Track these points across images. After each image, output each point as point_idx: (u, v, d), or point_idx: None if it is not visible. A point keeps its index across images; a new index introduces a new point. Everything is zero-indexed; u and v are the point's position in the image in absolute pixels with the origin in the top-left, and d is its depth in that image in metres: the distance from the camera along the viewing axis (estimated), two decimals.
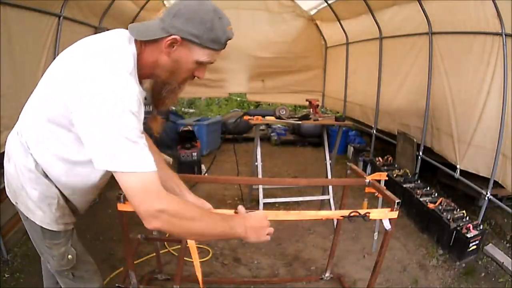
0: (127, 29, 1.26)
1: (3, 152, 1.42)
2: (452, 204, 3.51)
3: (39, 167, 1.32)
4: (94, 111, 1.09)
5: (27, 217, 1.44)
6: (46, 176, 1.33)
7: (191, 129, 5.52)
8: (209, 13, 1.18)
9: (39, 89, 1.39)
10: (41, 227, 1.41)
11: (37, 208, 1.39)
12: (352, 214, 1.66)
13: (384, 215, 1.77)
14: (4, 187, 1.58)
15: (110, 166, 1.13)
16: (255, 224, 1.32)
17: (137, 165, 1.11)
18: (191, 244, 1.67)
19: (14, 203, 1.49)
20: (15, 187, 1.42)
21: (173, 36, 1.17)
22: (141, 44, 1.23)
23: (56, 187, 1.36)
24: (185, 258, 2.81)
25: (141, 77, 1.27)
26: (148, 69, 1.26)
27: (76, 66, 1.19)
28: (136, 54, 1.22)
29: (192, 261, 2.94)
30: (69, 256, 1.47)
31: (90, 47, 1.28)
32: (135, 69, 1.21)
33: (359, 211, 1.66)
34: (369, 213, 1.67)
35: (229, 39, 1.26)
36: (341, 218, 1.68)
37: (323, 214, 1.67)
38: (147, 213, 1.13)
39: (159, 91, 1.31)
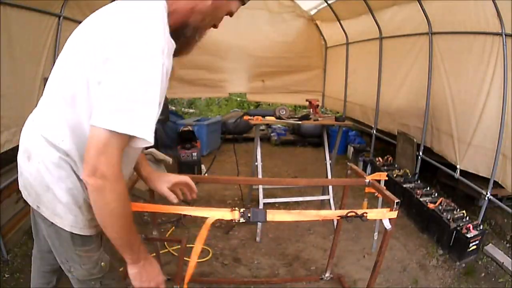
0: None
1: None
2: (452, 204, 3.51)
3: (69, 161, 1.16)
4: (123, 63, 1.01)
5: (52, 223, 1.24)
6: (77, 171, 1.18)
7: (191, 129, 5.52)
8: None
9: (59, 68, 1.20)
10: (71, 233, 1.24)
11: (67, 211, 1.21)
12: (349, 214, 1.65)
13: (382, 215, 1.76)
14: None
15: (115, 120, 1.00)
16: (147, 272, 1.29)
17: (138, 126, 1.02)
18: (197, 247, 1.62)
19: (34, 207, 1.27)
20: (37, 190, 1.22)
21: None
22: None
23: None
24: (185, 258, 2.81)
25: (175, 33, 1.17)
26: (180, 17, 1.19)
27: (100, 31, 1.13)
28: (170, 13, 1.15)
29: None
30: (102, 264, 1.37)
31: (116, 10, 1.17)
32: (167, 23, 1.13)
33: (357, 211, 1.65)
34: (366, 213, 1.66)
35: None
36: (338, 218, 1.68)
37: (320, 214, 1.67)
38: (93, 168, 1.01)
39: (183, 39, 1.24)
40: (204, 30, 1.30)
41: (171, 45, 1.14)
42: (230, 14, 1.30)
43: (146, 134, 1.03)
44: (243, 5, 1.32)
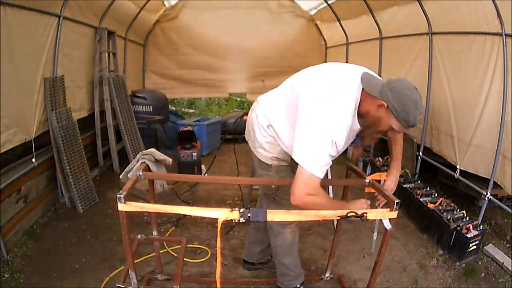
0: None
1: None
2: (452, 204, 3.51)
3: (268, 126, 2.10)
4: (312, 123, 1.73)
5: (252, 151, 2.28)
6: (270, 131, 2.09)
7: (191, 129, 5.52)
8: (412, 102, 1.66)
9: (283, 89, 2.28)
10: (259, 159, 2.24)
11: (259, 147, 2.19)
12: (349, 215, 1.65)
13: (382, 215, 1.76)
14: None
15: (299, 159, 1.74)
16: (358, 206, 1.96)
17: (312, 168, 1.71)
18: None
19: (246, 138, 2.36)
20: (250, 129, 2.26)
21: (383, 102, 1.66)
22: (365, 92, 1.73)
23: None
24: (184, 259, 2.81)
25: (359, 115, 1.79)
26: (363, 111, 1.78)
27: (314, 92, 1.81)
28: (358, 99, 1.76)
29: (192, 262, 2.95)
30: (273, 186, 2.29)
31: (330, 83, 1.82)
32: (355, 109, 1.76)
33: (357, 211, 1.65)
34: (366, 213, 1.66)
35: (414, 126, 1.74)
36: (338, 218, 1.68)
37: (320, 214, 1.66)
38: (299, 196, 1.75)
39: (363, 130, 1.84)
40: (373, 132, 1.84)
41: (355, 124, 1.81)
42: (392, 129, 1.77)
43: (319, 174, 1.74)
44: (405, 127, 1.75)
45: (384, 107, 1.67)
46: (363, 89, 1.73)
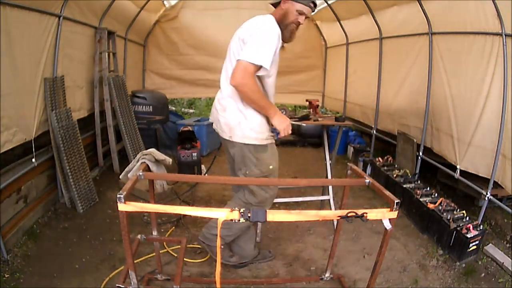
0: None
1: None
2: (452, 204, 3.51)
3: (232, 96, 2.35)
4: (256, 33, 2.21)
5: (242, 143, 2.38)
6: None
7: (191, 129, 5.52)
8: None
9: (227, 59, 2.51)
10: (254, 144, 2.37)
11: (255, 132, 2.36)
12: (349, 215, 1.65)
13: (382, 215, 1.76)
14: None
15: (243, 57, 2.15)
16: (281, 117, 2.39)
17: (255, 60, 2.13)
18: None
19: (227, 138, 2.42)
20: (232, 125, 2.35)
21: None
22: (276, 8, 2.43)
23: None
24: (184, 259, 2.81)
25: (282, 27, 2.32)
26: (279, 18, 2.34)
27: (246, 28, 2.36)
28: (275, 17, 2.34)
29: (192, 262, 2.95)
30: (271, 167, 2.50)
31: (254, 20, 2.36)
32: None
33: (357, 211, 1.65)
34: (366, 213, 1.66)
35: (314, 2, 2.34)
36: (338, 218, 1.68)
37: (320, 214, 1.66)
38: (240, 79, 2.16)
39: (282, 30, 2.32)
40: (290, 26, 2.38)
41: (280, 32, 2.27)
42: (300, 13, 2.35)
43: (266, 63, 2.14)
44: (307, 6, 2.35)
45: (286, 1, 2.32)
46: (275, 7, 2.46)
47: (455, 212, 3.38)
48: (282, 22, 2.31)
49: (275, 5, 2.42)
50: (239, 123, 2.35)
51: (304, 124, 3.42)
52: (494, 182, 3.28)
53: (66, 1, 3.52)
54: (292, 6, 2.29)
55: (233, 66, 2.21)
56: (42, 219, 3.45)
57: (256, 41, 2.15)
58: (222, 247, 2.69)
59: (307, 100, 3.94)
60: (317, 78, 7.52)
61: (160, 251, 2.72)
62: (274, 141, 2.50)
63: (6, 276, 2.61)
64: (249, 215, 1.58)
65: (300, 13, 2.30)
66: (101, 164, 4.78)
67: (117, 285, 2.06)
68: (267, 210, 1.60)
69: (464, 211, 3.35)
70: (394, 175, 4.31)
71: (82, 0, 3.90)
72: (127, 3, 5.20)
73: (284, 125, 2.37)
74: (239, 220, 1.58)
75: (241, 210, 1.59)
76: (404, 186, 3.98)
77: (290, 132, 2.40)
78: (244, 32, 2.29)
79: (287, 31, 2.35)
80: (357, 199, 4.28)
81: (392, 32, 4.90)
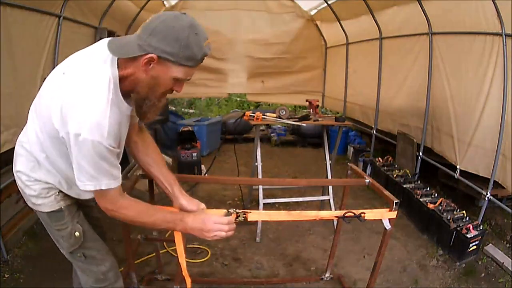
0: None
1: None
2: (452, 205, 3.51)
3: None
4: (78, 147, 1.25)
5: (37, 212, 1.59)
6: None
7: (191, 129, 5.52)
8: (184, 29, 1.21)
9: (33, 110, 1.48)
10: (46, 212, 1.55)
11: (38, 199, 1.54)
12: (347, 215, 1.65)
13: (380, 215, 1.76)
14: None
15: (87, 186, 1.33)
16: (195, 225, 1.52)
17: (103, 185, 1.33)
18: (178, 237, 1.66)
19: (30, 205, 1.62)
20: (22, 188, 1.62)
21: (149, 55, 1.22)
22: (123, 61, 1.29)
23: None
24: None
25: (126, 93, 1.35)
26: (130, 84, 1.33)
27: (60, 96, 1.29)
28: (117, 74, 1.29)
29: (192, 262, 2.95)
30: (76, 233, 1.60)
31: (73, 73, 1.33)
32: (117, 89, 1.30)
33: (355, 211, 1.65)
34: (364, 213, 1.66)
35: (206, 55, 1.36)
36: (336, 218, 1.68)
37: (318, 214, 1.66)
38: (104, 208, 1.41)
39: (140, 105, 1.38)
40: (162, 97, 1.40)
41: (123, 106, 1.35)
42: (179, 80, 1.34)
43: (112, 184, 1.35)
44: (195, 67, 1.35)
45: (154, 60, 1.23)
46: (118, 59, 1.30)
47: (455, 212, 3.38)
48: (137, 93, 1.35)
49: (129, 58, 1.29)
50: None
51: (304, 124, 3.42)
52: (494, 182, 3.28)
53: (66, 1, 3.52)
54: (167, 70, 1.28)
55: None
56: None
57: (87, 165, 1.29)
58: None
59: (307, 100, 3.94)
60: (317, 78, 7.51)
61: (160, 251, 2.72)
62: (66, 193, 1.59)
63: (6, 276, 2.62)
64: (244, 216, 1.58)
65: (178, 79, 1.33)
66: None
67: None
68: (266, 211, 1.60)
69: (464, 211, 3.35)
70: (394, 175, 4.31)
71: (82, 0, 3.90)
72: (127, 3, 5.20)
73: (206, 229, 1.53)
74: (236, 219, 1.58)
75: (237, 211, 1.59)
76: (404, 186, 3.98)
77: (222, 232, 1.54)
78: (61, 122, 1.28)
79: (147, 105, 1.37)
80: (357, 199, 4.28)
81: (392, 32, 4.90)
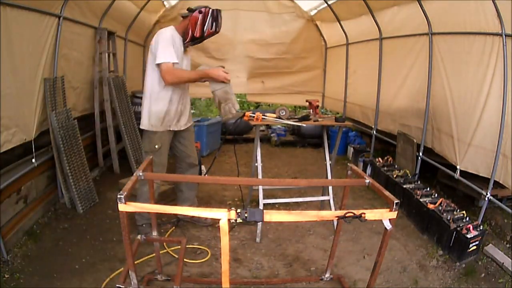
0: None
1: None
2: (452, 205, 3.51)
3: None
4: (158, 42, 2.88)
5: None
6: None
7: None
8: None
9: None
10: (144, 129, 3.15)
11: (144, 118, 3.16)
12: (347, 215, 1.64)
13: (380, 216, 1.76)
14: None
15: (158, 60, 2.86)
16: (212, 71, 3.10)
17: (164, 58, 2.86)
18: None
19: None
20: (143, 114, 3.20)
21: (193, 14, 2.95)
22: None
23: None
24: (184, 259, 2.81)
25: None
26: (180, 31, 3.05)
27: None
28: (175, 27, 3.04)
29: (192, 262, 2.95)
30: (156, 146, 3.08)
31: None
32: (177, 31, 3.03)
33: (355, 211, 1.65)
34: (364, 213, 1.65)
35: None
36: (336, 218, 1.67)
37: (318, 214, 1.66)
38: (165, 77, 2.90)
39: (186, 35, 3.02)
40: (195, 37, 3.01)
41: (179, 38, 3.02)
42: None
43: (172, 59, 2.87)
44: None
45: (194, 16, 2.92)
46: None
47: (455, 212, 3.38)
48: (187, 29, 2.98)
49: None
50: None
51: (304, 125, 3.42)
52: (494, 182, 3.28)
53: (66, 1, 3.52)
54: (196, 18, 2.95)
55: (148, 73, 3.04)
56: (42, 219, 3.45)
57: (159, 46, 2.86)
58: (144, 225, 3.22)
59: (307, 101, 3.94)
60: (317, 79, 7.52)
61: (160, 252, 2.72)
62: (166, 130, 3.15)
63: (6, 276, 2.61)
64: (246, 215, 1.58)
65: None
66: (101, 164, 4.77)
67: (117, 285, 2.06)
68: (264, 210, 1.60)
69: (464, 212, 3.35)
70: (394, 176, 4.31)
71: (82, 0, 3.90)
72: (127, 3, 5.20)
73: (217, 73, 3.08)
74: (236, 220, 1.58)
75: (238, 210, 1.59)
76: (404, 186, 3.98)
77: (225, 74, 3.10)
78: (152, 46, 2.95)
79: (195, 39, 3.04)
80: (358, 199, 4.28)
81: (392, 32, 4.90)
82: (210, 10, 2.94)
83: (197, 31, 2.91)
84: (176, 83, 2.99)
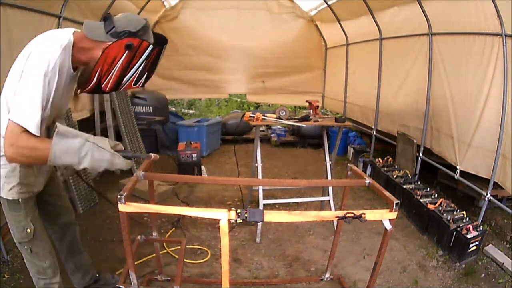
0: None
1: None
2: (452, 205, 3.51)
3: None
4: (30, 66, 1.57)
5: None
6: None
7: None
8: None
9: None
10: (6, 199, 1.72)
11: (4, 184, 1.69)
12: (347, 215, 1.64)
13: (380, 216, 1.76)
14: None
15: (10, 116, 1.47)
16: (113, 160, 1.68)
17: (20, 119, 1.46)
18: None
19: None
20: None
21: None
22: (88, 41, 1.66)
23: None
24: (184, 260, 2.81)
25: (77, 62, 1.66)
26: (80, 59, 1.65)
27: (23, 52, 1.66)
28: (71, 39, 1.61)
29: (192, 262, 2.95)
30: (28, 230, 1.79)
31: (30, 43, 1.71)
32: (69, 47, 1.61)
33: (355, 212, 1.64)
34: (364, 214, 1.65)
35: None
36: (336, 218, 1.67)
37: (318, 215, 1.66)
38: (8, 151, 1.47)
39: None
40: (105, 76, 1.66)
41: (67, 69, 1.63)
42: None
43: (29, 124, 1.47)
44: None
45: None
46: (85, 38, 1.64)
47: (455, 212, 3.38)
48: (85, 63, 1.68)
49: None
50: None
51: (304, 125, 3.42)
52: (494, 182, 3.29)
53: (66, 1, 3.52)
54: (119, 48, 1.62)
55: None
56: None
57: (24, 81, 1.58)
58: None
59: (307, 101, 3.94)
60: (317, 79, 7.52)
61: (160, 252, 2.72)
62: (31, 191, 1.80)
63: (6, 276, 2.61)
64: (246, 215, 1.58)
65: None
66: None
67: (117, 285, 2.06)
68: (264, 211, 1.60)
69: (464, 212, 3.35)
70: (394, 176, 4.31)
71: (82, 0, 3.90)
72: (127, 3, 5.21)
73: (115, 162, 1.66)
74: (236, 220, 1.58)
75: (238, 211, 1.59)
76: (404, 187, 3.98)
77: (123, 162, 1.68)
78: (23, 58, 1.71)
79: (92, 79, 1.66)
80: (358, 200, 4.28)
81: (392, 32, 4.90)
82: (149, 45, 1.63)
83: (110, 80, 1.65)
84: (19, 162, 1.62)
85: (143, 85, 1.77)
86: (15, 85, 1.56)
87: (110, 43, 1.59)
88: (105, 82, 1.65)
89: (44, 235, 1.90)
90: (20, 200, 1.72)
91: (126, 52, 1.59)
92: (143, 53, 1.63)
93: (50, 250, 1.94)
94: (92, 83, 1.65)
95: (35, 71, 1.52)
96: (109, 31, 1.62)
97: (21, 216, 1.75)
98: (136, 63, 1.64)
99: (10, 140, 1.45)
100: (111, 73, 1.62)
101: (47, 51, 1.56)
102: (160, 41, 1.71)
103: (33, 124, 1.47)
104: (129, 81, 1.68)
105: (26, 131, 1.45)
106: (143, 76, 1.71)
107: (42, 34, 1.67)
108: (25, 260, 1.92)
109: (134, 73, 1.66)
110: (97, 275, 2.49)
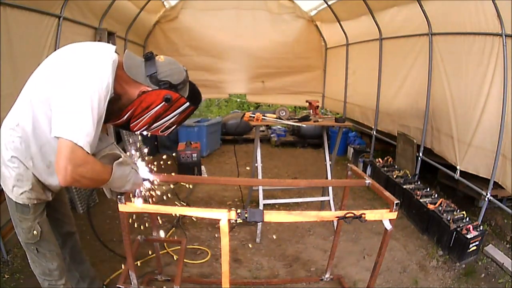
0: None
1: None
2: (452, 205, 3.51)
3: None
4: (69, 84, 1.40)
5: (6, 195, 1.70)
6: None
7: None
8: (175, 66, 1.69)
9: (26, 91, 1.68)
10: (15, 202, 1.67)
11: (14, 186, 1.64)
12: (347, 215, 1.64)
13: (380, 216, 1.76)
14: (3, 189, 1.61)
15: (56, 131, 1.36)
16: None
17: (73, 135, 1.35)
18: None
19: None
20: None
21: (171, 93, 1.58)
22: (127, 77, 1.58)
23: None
24: (184, 260, 2.81)
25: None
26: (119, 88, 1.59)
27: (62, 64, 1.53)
28: (117, 62, 1.54)
29: (192, 263, 2.95)
30: (35, 232, 1.74)
31: (76, 49, 1.58)
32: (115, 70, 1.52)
33: (355, 212, 1.65)
34: (364, 214, 1.65)
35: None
36: (336, 218, 1.67)
37: (319, 215, 1.66)
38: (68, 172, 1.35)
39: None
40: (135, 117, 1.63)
41: (108, 92, 1.48)
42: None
43: (83, 141, 1.38)
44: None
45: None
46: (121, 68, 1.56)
47: (455, 212, 3.38)
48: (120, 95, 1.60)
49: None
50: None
51: (304, 125, 3.42)
52: (494, 182, 3.28)
53: (66, 1, 3.52)
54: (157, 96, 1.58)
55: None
56: None
57: (68, 97, 1.42)
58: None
59: (307, 101, 3.94)
60: (317, 79, 7.52)
61: (160, 252, 2.72)
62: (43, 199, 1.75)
63: (6, 276, 2.61)
64: (246, 215, 1.58)
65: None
66: None
67: (117, 285, 2.06)
68: (264, 211, 1.60)
69: (464, 212, 3.35)
70: (394, 176, 4.31)
71: (82, 0, 3.90)
72: (127, 3, 5.20)
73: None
74: (236, 220, 1.58)
75: (238, 211, 1.59)
76: (404, 187, 3.98)
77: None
78: (58, 68, 1.59)
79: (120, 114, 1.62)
80: (358, 200, 4.28)
81: (392, 32, 4.90)
82: (186, 103, 1.62)
83: (140, 123, 1.65)
84: (77, 185, 1.69)
85: (168, 135, 1.80)
86: (48, 93, 1.47)
87: (150, 89, 1.56)
88: (134, 123, 1.64)
89: (51, 237, 1.84)
90: (30, 204, 1.68)
91: (163, 103, 1.57)
92: (178, 108, 1.62)
93: (58, 252, 1.88)
94: (122, 120, 1.62)
95: (89, 87, 1.40)
96: (150, 75, 1.55)
97: (29, 219, 1.71)
98: (169, 114, 1.63)
99: (74, 161, 1.34)
100: (143, 117, 1.61)
101: (99, 66, 1.45)
102: (196, 101, 1.71)
103: (88, 144, 1.38)
104: (157, 128, 1.69)
105: (82, 149, 1.36)
106: (172, 127, 1.73)
107: (82, 44, 1.59)
108: (29, 260, 1.86)
109: (164, 122, 1.67)
110: (103, 287, 2.48)
